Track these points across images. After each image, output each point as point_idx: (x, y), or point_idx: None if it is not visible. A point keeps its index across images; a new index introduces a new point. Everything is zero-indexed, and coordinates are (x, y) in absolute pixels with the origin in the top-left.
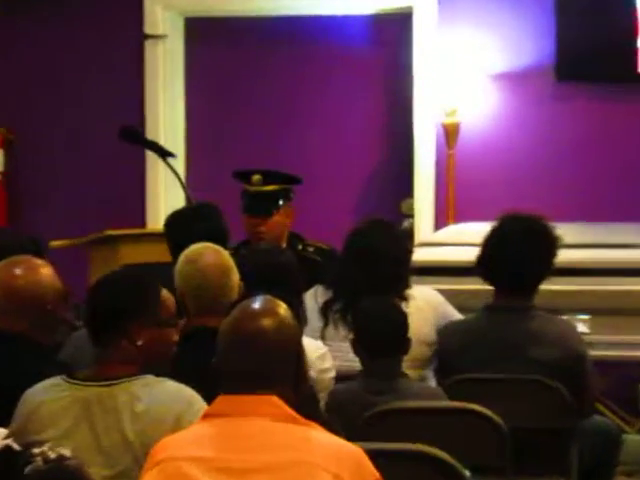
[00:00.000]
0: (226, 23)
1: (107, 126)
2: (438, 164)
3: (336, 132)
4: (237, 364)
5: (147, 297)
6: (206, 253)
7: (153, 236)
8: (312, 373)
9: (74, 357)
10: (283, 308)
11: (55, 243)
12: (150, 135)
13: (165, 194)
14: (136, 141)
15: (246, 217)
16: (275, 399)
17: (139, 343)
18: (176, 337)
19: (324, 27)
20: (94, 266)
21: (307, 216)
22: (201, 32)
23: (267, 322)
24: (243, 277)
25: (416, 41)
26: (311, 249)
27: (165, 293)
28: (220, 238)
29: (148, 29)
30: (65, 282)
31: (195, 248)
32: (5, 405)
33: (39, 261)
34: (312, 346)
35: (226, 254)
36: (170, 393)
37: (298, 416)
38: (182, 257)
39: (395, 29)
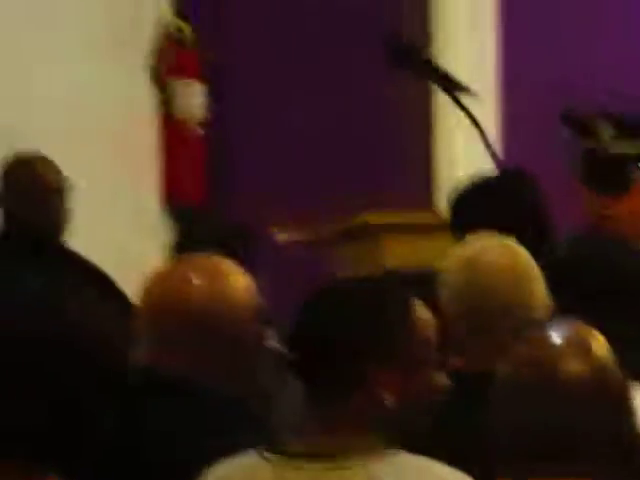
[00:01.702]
0: None
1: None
2: None
3: None
4: (542, 431)
5: (395, 323)
6: (500, 254)
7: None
8: None
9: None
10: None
11: (281, 235)
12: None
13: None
14: (408, 64)
15: (590, 194)
16: None
17: (386, 400)
18: (442, 380)
19: None
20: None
21: None
22: None
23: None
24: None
25: None
26: None
27: (420, 312)
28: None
29: None
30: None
31: (484, 246)
32: None
33: (234, 266)
34: None
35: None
36: None
37: None
38: (459, 258)
39: None
